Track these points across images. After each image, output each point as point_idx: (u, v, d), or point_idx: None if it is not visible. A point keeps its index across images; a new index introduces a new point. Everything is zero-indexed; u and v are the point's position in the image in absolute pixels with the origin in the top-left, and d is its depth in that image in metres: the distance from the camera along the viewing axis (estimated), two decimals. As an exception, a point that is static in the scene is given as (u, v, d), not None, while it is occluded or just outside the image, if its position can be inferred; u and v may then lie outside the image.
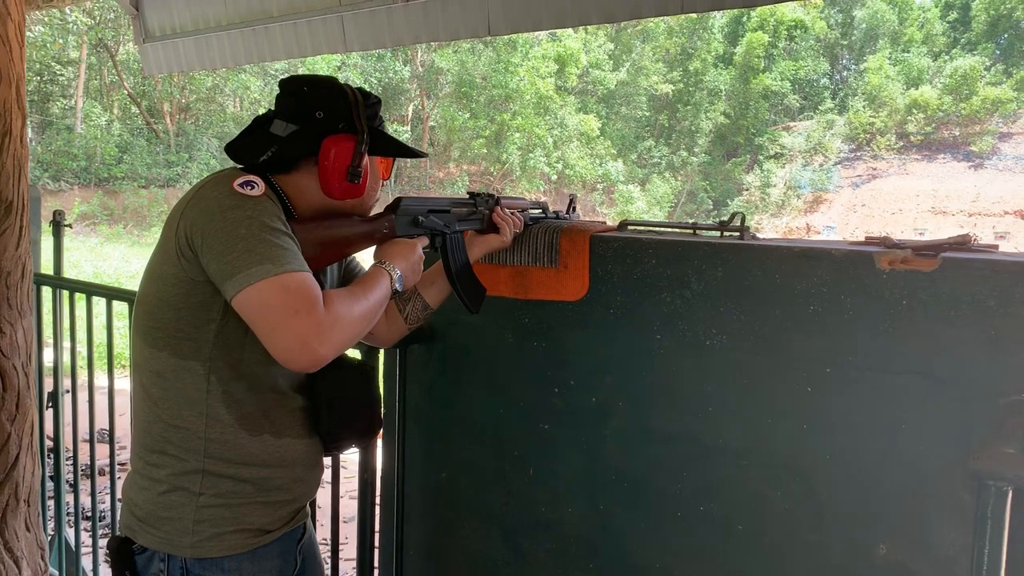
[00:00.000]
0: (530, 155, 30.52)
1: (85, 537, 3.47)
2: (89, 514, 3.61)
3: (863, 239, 1.53)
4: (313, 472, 1.55)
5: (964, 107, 33.09)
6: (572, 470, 1.76)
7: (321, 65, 25.50)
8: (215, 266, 1.27)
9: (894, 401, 1.37)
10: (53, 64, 26.61)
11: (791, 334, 1.47)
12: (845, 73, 41.55)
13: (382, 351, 1.94)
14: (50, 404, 3.03)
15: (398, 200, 1.56)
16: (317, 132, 1.40)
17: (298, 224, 1.38)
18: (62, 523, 3.04)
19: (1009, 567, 1.13)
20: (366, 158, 1.43)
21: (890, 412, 1.38)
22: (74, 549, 2.99)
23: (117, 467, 2.73)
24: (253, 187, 1.32)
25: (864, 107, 35.62)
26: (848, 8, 40.52)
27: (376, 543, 2.07)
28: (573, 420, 1.75)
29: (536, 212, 1.86)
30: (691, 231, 1.73)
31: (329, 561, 2.06)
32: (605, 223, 1.85)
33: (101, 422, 4.37)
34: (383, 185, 1.59)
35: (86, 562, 3.07)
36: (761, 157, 35.31)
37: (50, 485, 3.06)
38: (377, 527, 2.06)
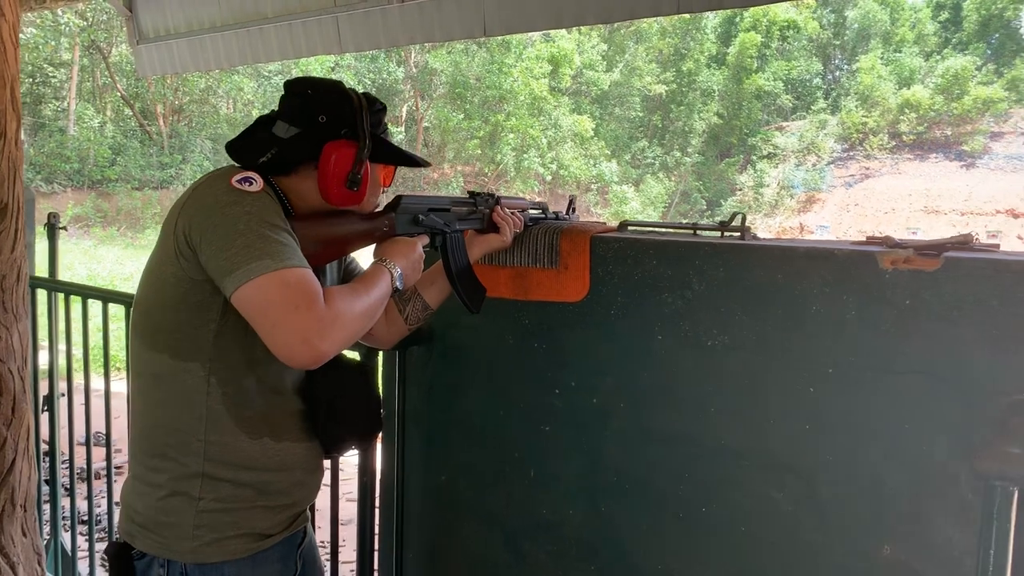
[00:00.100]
0: (524, 156, 30.53)
1: (81, 542, 3.45)
2: (85, 518, 3.59)
3: (864, 239, 1.53)
4: (313, 476, 1.54)
5: (956, 107, 33.19)
6: (573, 471, 1.75)
7: (315, 66, 25.47)
8: (214, 263, 1.26)
9: (897, 401, 1.37)
10: (45, 66, 26.51)
11: (793, 334, 1.47)
12: (838, 73, 41.65)
13: (381, 352, 1.93)
14: (45, 408, 3.01)
15: (398, 198, 1.55)
16: (319, 136, 1.39)
17: (297, 221, 1.37)
18: (58, 528, 3.03)
19: (1015, 567, 1.13)
20: (367, 165, 1.42)
21: (893, 412, 1.38)
22: (70, 554, 2.97)
23: (114, 470, 2.72)
24: (251, 183, 1.31)
25: (857, 107, 35.71)
26: (840, 8, 40.63)
27: (376, 546, 2.06)
28: (574, 421, 1.74)
29: (536, 213, 1.85)
30: (691, 231, 1.73)
31: (329, 564, 2.05)
32: (605, 223, 1.85)
33: (96, 425, 4.35)
34: (383, 192, 1.58)
35: (82, 567, 3.05)
36: (754, 157, 35.36)
37: (45, 489, 3.04)
38: (376, 530, 2.06)
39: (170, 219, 1.35)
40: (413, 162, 1.55)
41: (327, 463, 1.76)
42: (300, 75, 1.55)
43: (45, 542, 3.01)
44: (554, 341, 1.77)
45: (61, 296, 2.83)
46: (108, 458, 2.75)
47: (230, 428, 1.38)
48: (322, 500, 1.96)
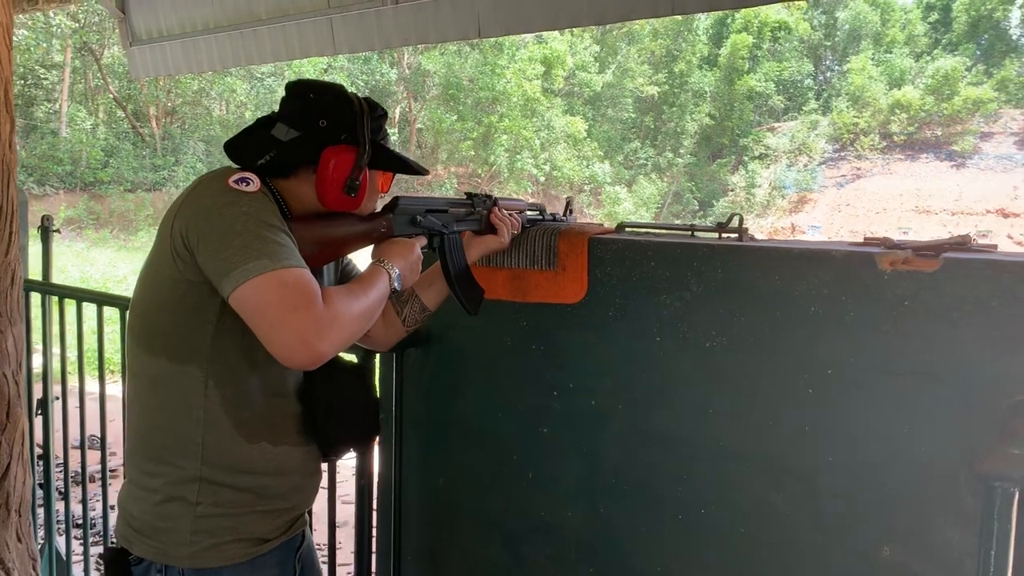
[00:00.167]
0: (517, 157, 30.51)
1: (76, 546, 3.43)
2: (79, 522, 3.57)
3: (862, 240, 1.53)
4: (311, 480, 1.53)
5: (946, 107, 33.31)
6: (572, 474, 1.75)
7: (307, 67, 25.41)
8: (211, 263, 1.25)
9: (896, 403, 1.37)
10: (37, 68, 26.38)
11: (792, 336, 1.47)
12: (828, 74, 41.76)
13: (378, 355, 1.93)
14: (39, 411, 2.99)
15: (396, 199, 1.54)
16: (319, 141, 1.39)
17: (295, 222, 1.37)
18: (52, 532, 3.01)
19: (1016, 569, 1.13)
20: (365, 171, 1.41)
21: (892, 414, 1.38)
22: (65, 559, 2.95)
23: (108, 474, 2.71)
24: (248, 183, 1.31)
25: (848, 107, 35.80)
26: (831, 9, 40.75)
27: (374, 549, 2.05)
28: (572, 423, 1.74)
29: (533, 214, 1.85)
30: (689, 233, 1.73)
31: (326, 568, 2.04)
32: (602, 225, 1.85)
33: (90, 428, 4.33)
34: (380, 197, 1.57)
35: (77, 571, 3.04)
36: (746, 158, 35.42)
37: (39, 493, 3.03)
38: (374, 533, 2.05)
39: (166, 221, 1.35)
40: (412, 170, 1.55)
41: (324, 466, 1.75)
42: (299, 78, 1.53)
43: (39, 546, 2.99)
44: (552, 343, 1.76)
45: (55, 299, 2.81)
46: (103, 461, 2.74)
47: (228, 431, 1.37)
48: (319, 503, 1.94)
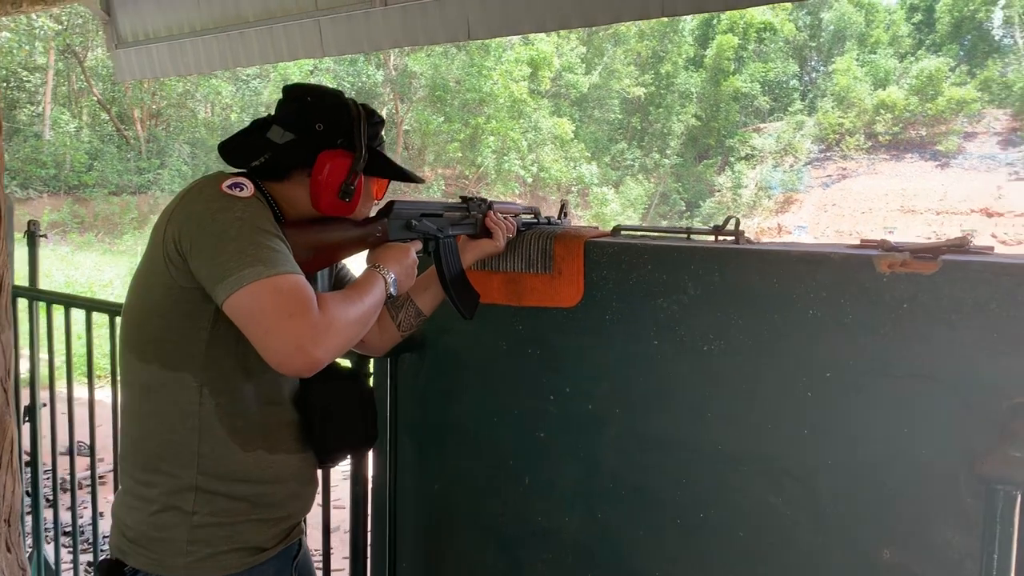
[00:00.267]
0: (505, 158, 30.49)
1: (64, 554, 3.40)
2: (67, 529, 3.53)
3: (858, 241, 1.53)
4: (308, 487, 1.52)
5: (930, 107, 33.52)
6: (569, 478, 1.74)
7: (293, 69, 25.31)
8: (205, 270, 1.24)
9: (896, 405, 1.37)
10: (20, 70, 26.18)
11: (790, 339, 1.47)
12: (814, 74, 41.95)
13: (372, 360, 1.91)
14: (26, 418, 2.96)
15: (391, 204, 1.53)
16: (315, 144, 1.38)
17: (289, 227, 1.35)
18: (40, 540, 2.98)
19: (1019, 571, 1.12)
20: (361, 177, 1.40)
21: (892, 416, 1.38)
22: (54, 567, 2.92)
23: (97, 480, 2.68)
24: (242, 188, 1.29)
25: (833, 108, 35.96)
26: (816, 10, 40.94)
27: (368, 556, 2.03)
28: (569, 428, 1.73)
29: (528, 217, 1.84)
30: (685, 235, 1.72)
31: (321, 574, 2.03)
32: (598, 228, 1.84)
33: (78, 435, 4.29)
34: (376, 204, 1.56)
35: (66, 579, 3.00)
36: (732, 159, 35.53)
37: (27, 501, 2.99)
38: (369, 539, 2.03)
39: (158, 227, 1.33)
40: (407, 177, 1.54)
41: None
42: (297, 82, 1.52)
43: (28, 554, 2.96)
44: (548, 347, 1.76)
45: (43, 305, 2.78)
46: (92, 467, 2.71)
47: (223, 440, 1.35)
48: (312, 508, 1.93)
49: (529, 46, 31.55)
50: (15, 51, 25.39)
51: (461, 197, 1.68)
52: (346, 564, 2.01)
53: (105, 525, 2.99)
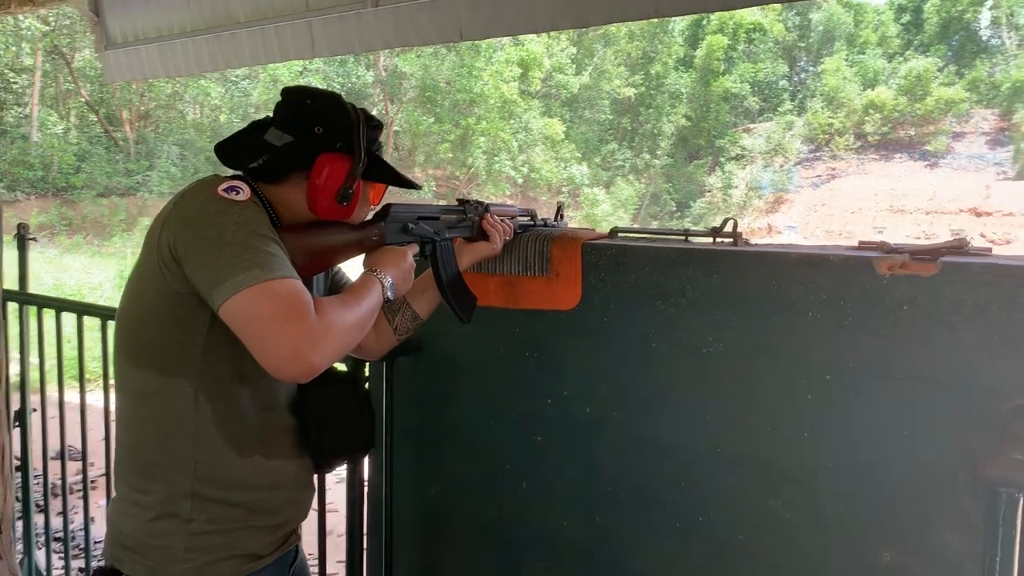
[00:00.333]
0: (496, 159, 30.47)
1: (55, 559, 3.37)
2: (58, 535, 3.51)
3: (857, 244, 1.53)
4: (305, 493, 1.51)
5: (919, 107, 33.67)
6: (567, 482, 1.73)
7: (283, 70, 25.23)
8: (201, 274, 1.22)
9: (896, 407, 1.37)
10: (7, 72, 26.00)
11: (790, 341, 1.46)
12: (803, 75, 42.07)
13: (368, 364, 1.90)
14: (16, 423, 2.93)
15: (387, 207, 1.52)
16: (313, 147, 1.36)
17: (286, 231, 1.34)
18: (31, 546, 2.95)
19: (1021, 575, 1.12)
20: (359, 181, 1.39)
21: (892, 418, 1.37)
22: (45, 573, 2.89)
23: (88, 485, 2.65)
24: (238, 192, 1.28)
25: (822, 108, 36.08)
26: (805, 11, 41.07)
27: (364, 560, 2.02)
28: (567, 431, 1.72)
29: (525, 220, 1.83)
30: (683, 237, 1.72)
31: (317, 580, 2.01)
32: (594, 230, 1.83)
33: (68, 439, 4.25)
34: (372, 209, 1.55)
35: (57, 585, 2.98)
36: (722, 159, 35.60)
37: (17, 506, 2.97)
38: (364, 544, 2.02)
39: (153, 231, 1.31)
40: (406, 183, 1.53)
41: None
42: (296, 84, 1.51)
43: (19, 560, 2.93)
44: (546, 350, 1.75)
45: (33, 309, 2.75)
46: (84, 472, 2.68)
47: (220, 445, 1.34)
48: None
49: (519, 47, 31.54)
50: (2, 52, 25.23)
51: (458, 200, 1.67)
52: (340, 568, 2.00)
53: (97, 530, 2.97)
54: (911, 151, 33.70)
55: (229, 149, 1.40)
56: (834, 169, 34.48)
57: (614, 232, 1.77)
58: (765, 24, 39.30)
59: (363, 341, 1.57)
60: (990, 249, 1.42)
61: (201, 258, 1.22)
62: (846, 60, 37.48)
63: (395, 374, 1.92)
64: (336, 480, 2.02)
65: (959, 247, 1.37)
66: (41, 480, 2.85)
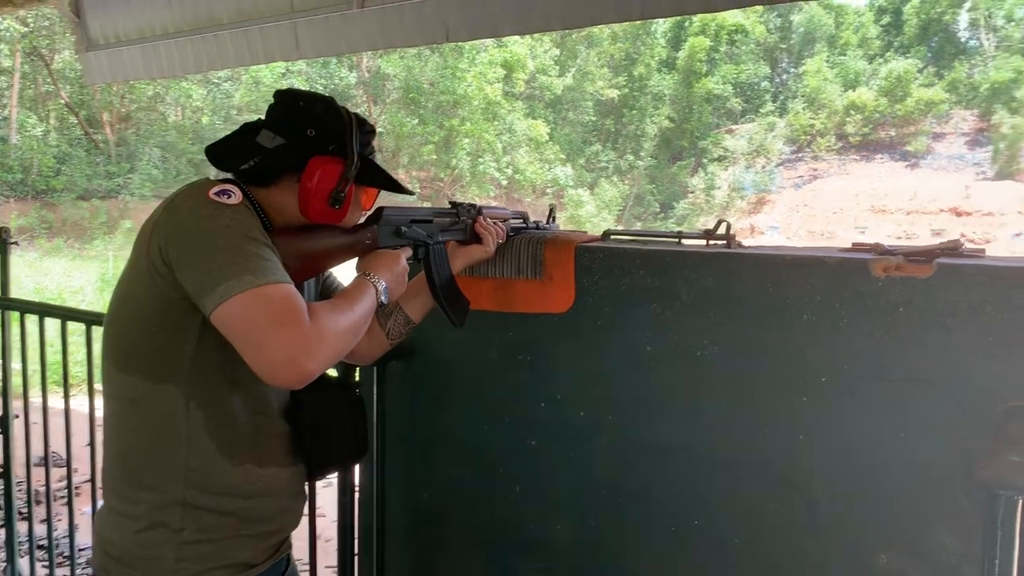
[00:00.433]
0: (480, 161, 30.45)
1: (39, 568, 3.33)
2: (42, 543, 3.46)
3: (851, 245, 1.53)
4: (297, 500, 1.49)
5: (899, 108, 33.96)
6: (561, 486, 1.72)
7: (266, 72, 25.10)
8: (192, 279, 1.20)
9: (891, 409, 1.37)
10: (-16, 73, 25.76)
11: (785, 343, 1.46)
12: (785, 76, 42.33)
13: (358, 368, 1.88)
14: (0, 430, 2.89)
15: (380, 210, 1.50)
16: (305, 149, 1.35)
17: (278, 235, 1.32)
18: (15, 554, 2.91)
19: None
20: (351, 184, 1.37)
21: (887, 420, 1.37)
22: (29, 581, 2.86)
23: (72, 492, 2.62)
24: (229, 196, 1.26)
25: (804, 109, 36.33)
26: (786, 12, 41.31)
27: (356, 566, 2.00)
28: (561, 435, 1.71)
29: (517, 222, 1.82)
30: (676, 240, 1.71)
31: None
32: (587, 233, 1.82)
33: (53, 445, 4.20)
34: (364, 213, 1.53)
35: (41, 594, 2.94)
36: (705, 160, 35.76)
37: (0, 514, 2.93)
38: (356, 549, 2.00)
39: (142, 237, 1.29)
40: (398, 188, 1.51)
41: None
42: (288, 87, 1.49)
43: (2, 568, 2.89)
44: (539, 353, 1.74)
45: (15, 314, 2.71)
46: (69, 479, 2.65)
47: (212, 452, 1.32)
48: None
49: (503, 48, 31.54)
50: (-21, 54, 24.98)
51: (450, 202, 1.66)
52: (331, 573, 1.98)
53: (81, 537, 2.93)
54: (892, 152, 33.98)
55: (220, 151, 1.38)
56: (816, 170, 34.72)
57: (607, 235, 1.77)
58: (747, 26, 39.50)
59: (356, 346, 1.55)
60: (984, 250, 1.42)
61: (192, 263, 1.20)
62: (827, 62, 37.76)
63: (387, 379, 1.91)
64: (324, 485, 2.00)
65: (953, 249, 1.37)
66: (24, 487, 2.81)
